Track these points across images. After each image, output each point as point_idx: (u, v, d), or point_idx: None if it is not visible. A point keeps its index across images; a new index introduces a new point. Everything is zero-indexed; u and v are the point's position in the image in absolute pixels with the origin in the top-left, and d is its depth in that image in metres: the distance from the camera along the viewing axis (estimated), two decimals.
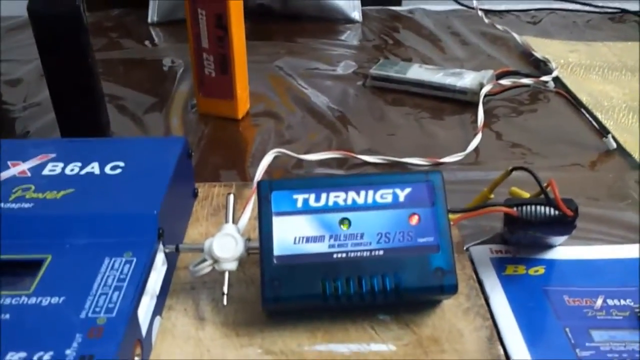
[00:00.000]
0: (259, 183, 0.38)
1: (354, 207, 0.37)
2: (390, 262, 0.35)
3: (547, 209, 0.39)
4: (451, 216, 0.38)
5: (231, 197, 0.39)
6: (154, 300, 0.34)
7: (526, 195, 0.45)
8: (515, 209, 0.40)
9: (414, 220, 0.37)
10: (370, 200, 0.37)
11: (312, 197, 0.37)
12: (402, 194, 0.38)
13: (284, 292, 0.35)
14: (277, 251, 0.36)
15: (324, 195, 0.37)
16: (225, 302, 0.36)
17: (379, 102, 0.71)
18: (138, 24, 0.94)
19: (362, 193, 0.38)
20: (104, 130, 0.60)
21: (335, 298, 0.35)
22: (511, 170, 0.43)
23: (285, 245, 0.36)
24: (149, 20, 0.94)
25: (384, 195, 0.38)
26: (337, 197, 0.37)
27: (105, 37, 0.88)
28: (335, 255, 0.36)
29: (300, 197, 0.37)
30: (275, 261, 0.35)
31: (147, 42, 0.88)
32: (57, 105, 0.58)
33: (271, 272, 0.35)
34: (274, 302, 0.35)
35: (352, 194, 0.38)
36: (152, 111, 0.68)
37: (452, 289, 0.35)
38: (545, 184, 0.41)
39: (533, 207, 0.40)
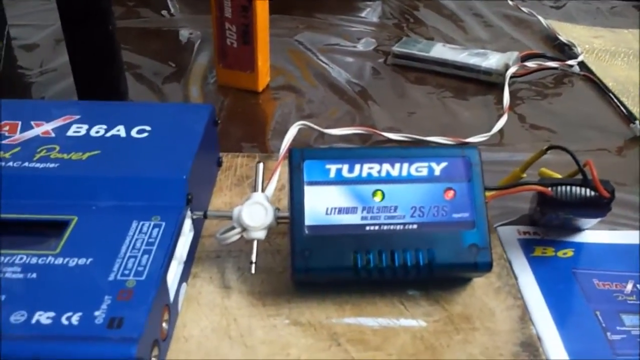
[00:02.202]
0: (290, 150, 0.37)
1: (388, 179, 0.36)
2: (423, 236, 0.35)
3: (583, 189, 0.38)
4: (486, 193, 0.37)
5: (260, 165, 0.38)
6: (181, 266, 0.34)
7: (557, 176, 0.44)
8: (550, 188, 0.39)
9: (450, 195, 0.36)
10: (405, 173, 0.36)
11: (346, 167, 0.36)
12: (437, 168, 0.37)
13: (315, 263, 0.34)
14: (308, 221, 0.35)
15: (357, 166, 0.36)
16: (253, 271, 0.35)
17: (400, 80, 0.70)
18: None
19: (397, 165, 0.37)
20: (123, 98, 0.59)
21: (367, 271, 0.34)
22: (547, 150, 0.41)
23: (317, 216, 0.35)
24: None
25: (419, 168, 0.37)
26: (371, 168, 0.36)
27: (122, 5, 0.87)
28: (367, 228, 0.35)
29: (333, 167, 0.36)
30: (306, 231, 0.34)
31: (164, 12, 0.86)
32: (76, 72, 0.57)
33: (302, 243, 0.34)
34: (304, 273, 0.34)
35: (386, 166, 0.37)
36: (171, 81, 0.67)
37: (486, 266, 0.34)
38: (582, 164, 0.40)
39: (568, 187, 0.38)
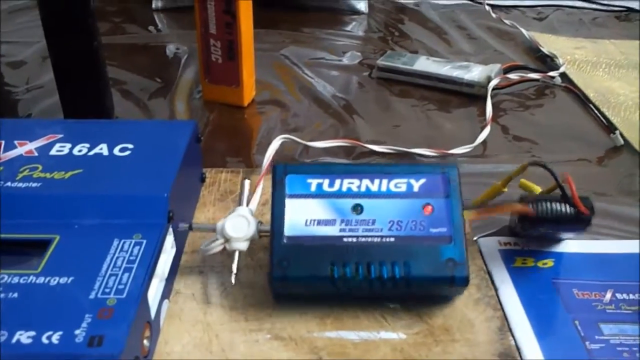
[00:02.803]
0: (274, 166, 0.38)
1: (368, 194, 0.37)
2: (400, 250, 0.35)
3: (563, 206, 0.39)
4: (467, 214, 0.37)
5: (247, 182, 0.39)
6: (162, 283, 0.34)
7: (537, 189, 0.45)
8: (530, 206, 0.39)
9: (428, 210, 0.37)
10: (384, 188, 0.37)
11: (326, 182, 0.38)
12: (416, 184, 0.38)
13: (292, 273, 0.34)
14: (287, 231, 0.36)
15: (338, 181, 0.38)
16: (233, 282, 0.35)
17: (385, 93, 0.71)
18: (142, 10, 0.93)
19: (377, 181, 0.38)
20: (109, 114, 0.59)
21: (344, 282, 0.34)
22: (527, 165, 0.42)
23: (296, 226, 0.36)
24: (153, 6, 0.93)
25: (398, 184, 0.38)
26: (351, 183, 0.37)
27: (108, 21, 0.87)
28: (345, 239, 0.36)
29: (314, 182, 0.38)
30: (285, 241, 0.35)
31: (151, 28, 0.87)
32: (61, 88, 0.57)
33: (280, 252, 0.35)
34: (281, 282, 0.34)
35: (366, 182, 0.38)
36: (157, 96, 0.67)
37: (463, 281, 0.34)
38: (562, 180, 0.40)
39: (549, 204, 0.39)
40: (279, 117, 0.64)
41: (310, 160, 0.56)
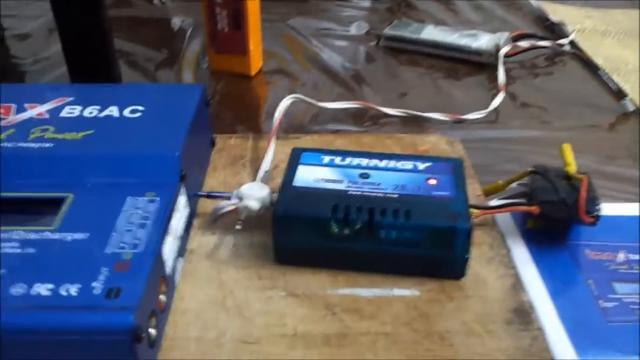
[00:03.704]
0: (293, 149, 0.40)
1: (375, 168, 0.39)
2: (403, 201, 0.35)
3: (568, 211, 0.39)
4: (473, 210, 0.38)
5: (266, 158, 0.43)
6: (177, 241, 0.34)
7: (572, 160, 0.44)
8: (536, 206, 0.39)
9: (432, 181, 0.38)
10: (391, 165, 0.39)
11: (339, 158, 0.40)
12: (422, 165, 0.39)
13: (295, 210, 0.35)
14: (296, 183, 0.37)
15: (349, 158, 0.40)
16: (238, 227, 0.36)
17: (392, 62, 0.70)
18: None
19: (385, 160, 0.40)
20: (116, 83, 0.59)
21: (345, 224, 0.34)
22: (530, 172, 0.42)
23: (305, 181, 0.37)
24: None
25: (405, 164, 0.39)
26: (361, 160, 0.39)
27: None
28: (350, 192, 0.36)
29: (327, 157, 0.40)
30: (292, 189, 0.36)
31: (155, 1, 0.86)
32: (69, 59, 0.57)
33: (287, 194, 0.36)
34: (284, 218, 0.35)
35: (374, 160, 0.40)
36: (164, 67, 0.67)
37: (465, 232, 0.34)
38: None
39: (555, 208, 0.39)
40: (286, 86, 0.64)
41: (320, 127, 0.56)
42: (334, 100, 0.59)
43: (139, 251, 0.29)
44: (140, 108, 0.39)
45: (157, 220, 0.31)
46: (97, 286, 0.27)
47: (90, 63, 0.57)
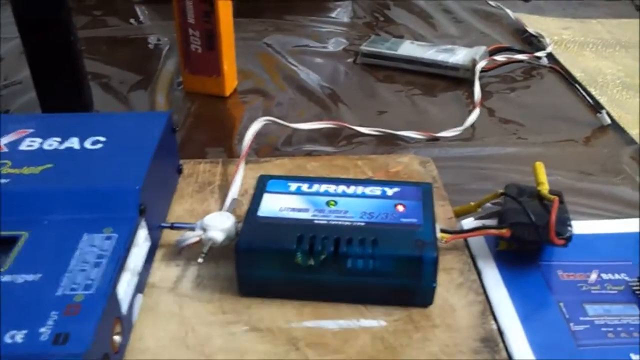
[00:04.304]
0: (259, 177, 0.40)
1: (343, 195, 0.38)
2: (370, 230, 0.35)
3: (538, 234, 0.38)
4: (444, 235, 0.37)
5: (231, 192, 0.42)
6: (135, 277, 0.33)
7: (544, 179, 0.43)
8: (507, 229, 0.39)
9: (400, 208, 0.37)
10: (359, 192, 0.39)
11: (306, 185, 0.39)
12: (390, 191, 0.39)
13: (259, 242, 0.34)
14: (260, 213, 0.36)
15: (316, 185, 0.39)
16: (200, 261, 0.35)
17: (370, 79, 0.70)
18: (123, 2, 0.92)
19: (352, 187, 0.39)
20: (87, 108, 0.58)
21: (311, 255, 0.34)
22: (500, 194, 0.42)
23: (270, 211, 0.37)
24: None
25: (373, 190, 0.39)
26: (328, 187, 0.39)
27: (88, 15, 0.86)
28: (316, 221, 0.36)
29: (294, 184, 0.39)
30: (256, 220, 0.36)
31: (132, 20, 0.85)
32: (38, 84, 0.56)
33: (250, 226, 0.36)
34: (247, 251, 0.34)
35: (342, 186, 0.39)
36: (137, 89, 0.66)
37: (432, 261, 0.33)
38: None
39: (525, 231, 0.38)
40: (261, 106, 0.63)
41: (293, 149, 0.55)
42: (310, 120, 0.59)
43: (91, 292, 0.28)
44: (102, 139, 0.38)
45: (112, 258, 0.30)
46: (45, 332, 0.26)
47: (59, 87, 0.56)
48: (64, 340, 0.26)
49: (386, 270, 0.34)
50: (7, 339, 0.26)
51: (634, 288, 0.39)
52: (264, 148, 0.55)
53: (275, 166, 0.48)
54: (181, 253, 0.38)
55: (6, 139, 0.38)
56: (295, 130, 0.56)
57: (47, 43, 0.54)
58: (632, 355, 0.35)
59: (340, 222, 0.35)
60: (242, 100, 0.64)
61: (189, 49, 0.62)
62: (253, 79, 0.69)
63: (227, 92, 0.64)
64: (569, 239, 0.39)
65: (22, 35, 0.54)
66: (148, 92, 0.65)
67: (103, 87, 0.67)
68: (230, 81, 0.64)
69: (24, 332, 0.26)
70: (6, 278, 0.29)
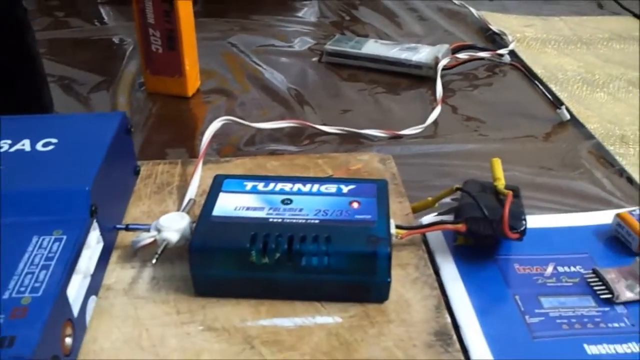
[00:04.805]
0: (215, 177, 0.39)
1: (299, 193, 0.38)
2: (324, 228, 0.35)
3: (493, 228, 0.39)
4: (400, 231, 0.38)
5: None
6: (87, 279, 0.33)
7: (500, 174, 0.44)
8: (463, 224, 0.39)
9: (355, 205, 0.38)
10: (315, 189, 0.39)
11: (261, 184, 0.39)
12: (346, 188, 0.39)
13: (213, 241, 0.34)
14: (215, 212, 0.36)
15: (272, 184, 0.39)
16: (154, 262, 0.35)
17: (334, 78, 0.70)
18: (87, 3, 0.90)
19: (308, 185, 0.39)
20: (46, 110, 0.57)
21: (265, 253, 0.34)
22: (456, 189, 0.42)
23: (225, 210, 0.37)
24: None
25: (329, 187, 0.39)
26: (284, 185, 0.39)
27: (51, 16, 0.85)
28: (270, 220, 0.36)
29: (250, 184, 0.39)
30: (211, 219, 0.36)
31: (95, 21, 0.84)
32: None
33: (204, 224, 0.36)
34: (201, 250, 0.34)
35: (298, 185, 0.39)
36: (99, 90, 0.66)
37: (385, 256, 0.34)
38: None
39: (480, 226, 0.39)
40: (224, 106, 0.63)
41: (256, 148, 0.55)
42: (272, 120, 0.58)
43: (38, 295, 0.28)
44: (53, 141, 0.38)
45: (61, 260, 0.30)
46: None
47: (17, 90, 0.56)
48: (10, 344, 0.25)
49: (341, 266, 0.34)
50: None
51: (589, 280, 0.40)
52: (226, 148, 0.55)
53: (235, 166, 0.47)
54: (137, 254, 0.38)
55: None
56: (258, 130, 0.56)
57: (4, 43, 0.53)
58: (586, 346, 0.35)
59: (294, 220, 0.36)
60: (205, 100, 0.64)
61: (150, 49, 0.61)
62: (216, 79, 0.68)
63: (190, 93, 0.63)
64: (523, 232, 0.39)
65: None
66: (110, 93, 0.65)
67: (64, 89, 0.66)
68: (193, 81, 0.64)
69: None
70: None
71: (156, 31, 0.60)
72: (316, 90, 0.67)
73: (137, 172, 0.44)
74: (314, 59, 0.74)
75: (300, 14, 0.90)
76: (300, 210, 0.36)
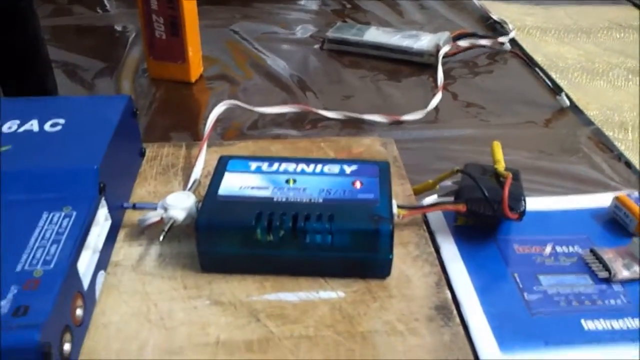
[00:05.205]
0: (220, 157, 0.40)
1: (302, 173, 0.39)
2: (328, 207, 0.36)
3: (493, 208, 0.39)
4: (401, 211, 0.38)
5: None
6: (96, 254, 0.34)
7: (501, 156, 0.44)
8: (463, 204, 0.40)
9: (357, 184, 0.38)
10: (318, 170, 0.40)
11: (266, 164, 0.40)
12: (348, 169, 0.40)
13: (218, 219, 0.35)
14: (220, 192, 0.37)
15: (276, 164, 0.40)
16: (161, 239, 0.36)
17: (336, 65, 0.71)
18: None
19: (312, 165, 0.40)
20: (51, 95, 0.58)
21: (270, 231, 0.34)
22: (457, 171, 0.43)
23: (230, 190, 0.37)
24: None
25: (331, 168, 0.40)
26: (288, 166, 0.40)
27: (53, 3, 0.85)
28: (275, 199, 0.37)
29: (254, 164, 0.40)
30: (216, 198, 0.37)
31: (98, 9, 0.85)
32: (1, 72, 0.56)
33: (210, 202, 0.36)
34: (207, 227, 0.35)
35: (302, 165, 0.40)
36: (103, 76, 0.66)
37: (388, 234, 0.35)
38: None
39: (481, 206, 0.39)
40: (227, 91, 0.63)
41: (259, 132, 0.56)
42: (275, 105, 0.59)
43: (50, 268, 0.29)
44: (61, 121, 0.38)
45: (71, 235, 0.31)
46: (5, 305, 0.27)
47: (22, 75, 0.56)
48: (24, 312, 0.26)
49: (344, 244, 0.35)
50: None
51: (587, 260, 0.41)
52: (230, 132, 0.55)
53: (239, 149, 0.48)
54: (144, 233, 0.39)
55: None
56: (261, 115, 0.57)
57: (9, 29, 0.54)
58: (583, 322, 0.36)
59: (298, 199, 0.36)
60: (208, 86, 0.65)
61: (153, 35, 0.62)
62: (219, 65, 0.69)
63: (193, 78, 0.64)
64: (522, 213, 0.40)
65: None
66: (113, 79, 0.65)
67: (69, 75, 0.66)
68: (196, 67, 0.64)
69: None
70: None
71: (159, 17, 0.61)
72: (318, 77, 0.67)
73: (142, 154, 0.45)
74: (316, 46, 0.75)
75: (302, 2, 0.90)
76: (304, 189, 0.37)
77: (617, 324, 0.36)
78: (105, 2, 0.88)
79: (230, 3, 0.86)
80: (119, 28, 0.78)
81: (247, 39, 0.76)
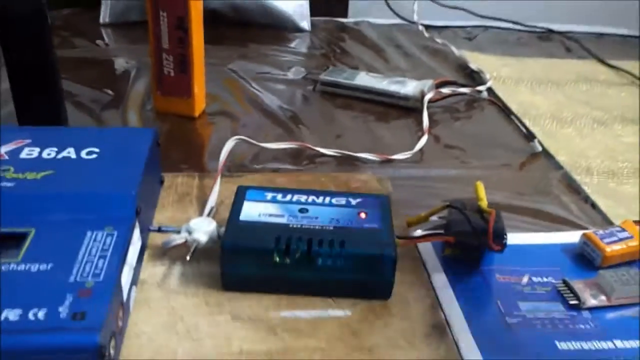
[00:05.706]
0: (238, 187, 0.45)
1: (313, 203, 0.44)
2: (338, 233, 0.41)
3: (479, 240, 0.44)
4: (398, 240, 0.43)
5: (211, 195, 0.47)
6: (132, 271, 0.37)
7: (483, 196, 0.50)
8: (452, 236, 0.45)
9: (362, 215, 0.43)
10: (327, 201, 0.45)
11: (280, 195, 0.45)
12: (354, 201, 0.45)
13: (242, 242, 0.39)
14: (242, 218, 0.42)
15: (289, 195, 0.45)
16: (188, 258, 0.40)
17: (328, 105, 0.76)
18: (90, 24, 0.95)
19: (321, 197, 0.45)
20: (63, 125, 0.61)
21: (287, 254, 0.39)
22: (447, 206, 0.48)
23: (250, 216, 0.42)
24: (101, 20, 0.95)
25: (339, 200, 0.45)
26: (300, 197, 0.45)
27: (56, 35, 0.89)
28: (291, 225, 0.41)
29: (269, 194, 0.45)
30: (239, 222, 0.41)
31: (98, 42, 0.89)
32: (17, 99, 0.59)
33: (234, 227, 0.41)
34: (232, 249, 0.39)
35: (312, 197, 0.45)
36: (109, 108, 0.70)
37: (391, 259, 0.39)
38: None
39: (469, 238, 0.44)
40: (229, 126, 0.68)
41: (261, 166, 0.60)
42: (273, 141, 0.64)
43: (100, 280, 0.32)
44: (96, 150, 0.42)
45: (115, 252, 0.35)
46: (63, 310, 0.30)
47: (38, 104, 0.59)
48: (82, 317, 0.30)
49: (352, 267, 0.39)
50: (31, 316, 0.29)
51: (560, 289, 0.46)
52: (234, 165, 0.60)
53: (247, 181, 0.52)
54: (166, 254, 0.42)
55: (5, 148, 0.42)
56: (263, 149, 0.61)
57: (30, 61, 0.57)
58: (557, 342, 0.41)
59: (312, 226, 0.41)
60: (210, 121, 0.69)
61: (162, 71, 0.66)
62: (219, 101, 0.73)
63: (197, 113, 0.68)
64: (504, 245, 0.45)
65: (4, 50, 0.57)
66: (120, 111, 0.69)
67: (75, 105, 0.70)
68: (200, 103, 0.69)
69: (45, 310, 0.30)
70: (21, 266, 0.33)
71: (169, 56, 0.65)
72: (312, 116, 0.72)
73: (161, 182, 0.49)
74: (309, 87, 0.80)
75: (292, 45, 0.96)
76: (316, 218, 0.42)
77: (586, 345, 0.41)
78: (105, 36, 0.92)
79: (226, 43, 0.91)
80: (121, 62, 0.82)
81: (244, 78, 0.81)
